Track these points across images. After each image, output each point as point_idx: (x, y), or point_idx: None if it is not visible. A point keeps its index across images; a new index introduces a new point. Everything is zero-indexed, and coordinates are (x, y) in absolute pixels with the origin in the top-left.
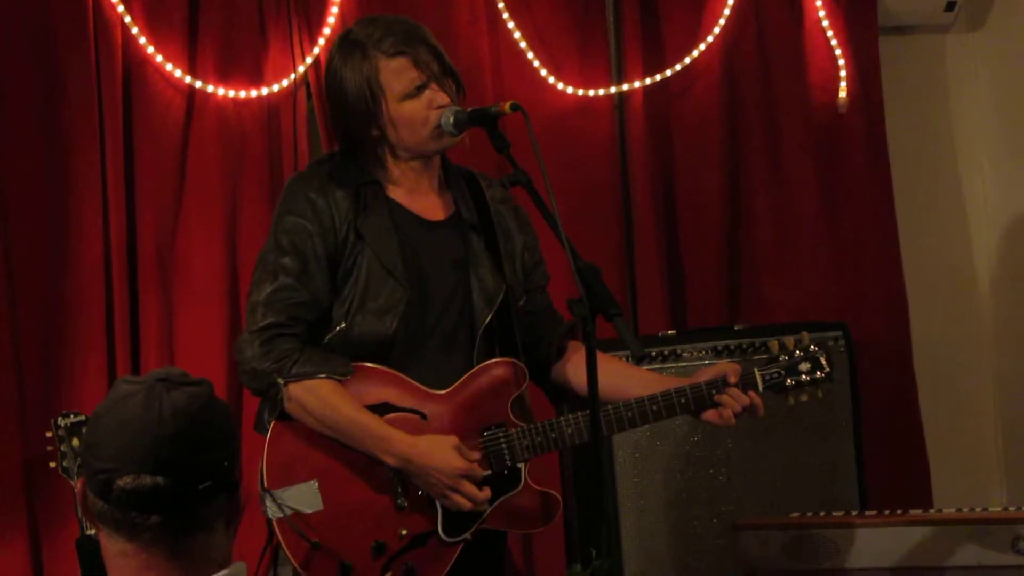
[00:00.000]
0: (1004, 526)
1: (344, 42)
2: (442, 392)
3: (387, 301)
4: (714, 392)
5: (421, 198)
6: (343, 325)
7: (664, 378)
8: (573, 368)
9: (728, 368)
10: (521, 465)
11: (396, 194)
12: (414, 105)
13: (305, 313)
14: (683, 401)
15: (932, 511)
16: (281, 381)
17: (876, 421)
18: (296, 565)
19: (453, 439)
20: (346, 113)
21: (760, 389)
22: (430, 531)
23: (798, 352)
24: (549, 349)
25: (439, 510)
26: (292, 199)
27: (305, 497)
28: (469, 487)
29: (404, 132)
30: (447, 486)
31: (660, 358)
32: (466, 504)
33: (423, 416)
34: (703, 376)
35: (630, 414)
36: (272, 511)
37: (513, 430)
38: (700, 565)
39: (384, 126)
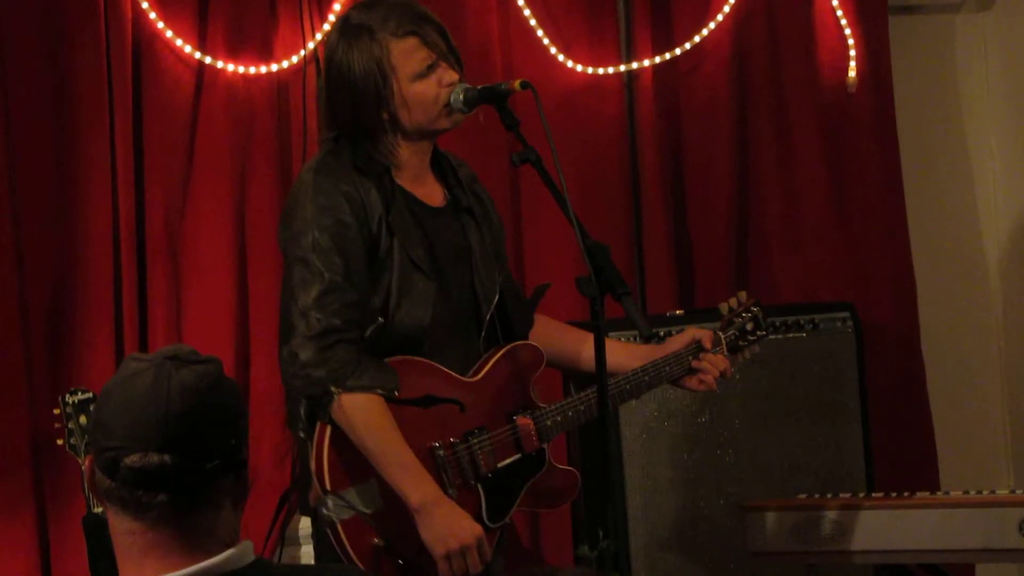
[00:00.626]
0: (1011, 509)
1: (346, 27)
2: (473, 380)
3: (419, 294)
4: (691, 359)
5: (422, 183)
6: (382, 320)
7: (631, 346)
8: (544, 340)
9: (701, 334)
10: (545, 446)
11: (403, 180)
12: (425, 84)
13: (357, 314)
14: (667, 370)
15: (939, 494)
16: (335, 391)
17: (883, 403)
18: (360, 564)
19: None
20: (354, 98)
21: (725, 352)
22: (476, 519)
23: (744, 313)
24: (522, 323)
25: (482, 497)
26: (324, 193)
27: (366, 496)
28: (475, 555)
29: (415, 112)
30: (463, 543)
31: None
32: (461, 568)
33: (461, 406)
34: (676, 343)
35: (628, 386)
36: (339, 513)
37: (538, 412)
38: (707, 546)
39: (395, 108)
